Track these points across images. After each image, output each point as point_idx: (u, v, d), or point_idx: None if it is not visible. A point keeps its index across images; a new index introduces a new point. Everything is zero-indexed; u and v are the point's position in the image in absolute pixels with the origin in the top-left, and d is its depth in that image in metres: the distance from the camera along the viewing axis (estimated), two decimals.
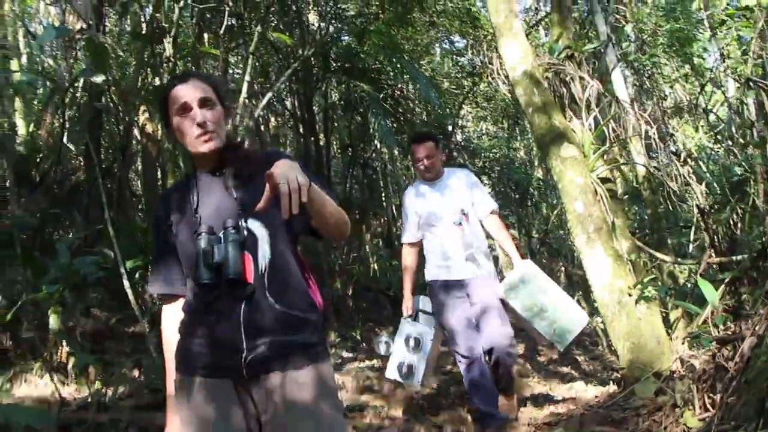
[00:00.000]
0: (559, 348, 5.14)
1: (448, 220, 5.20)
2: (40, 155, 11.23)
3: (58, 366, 5.82)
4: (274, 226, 2.20)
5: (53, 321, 5.62)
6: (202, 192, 2.26)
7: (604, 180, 5.73)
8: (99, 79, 5.14)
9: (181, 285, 2.30)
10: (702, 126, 8.36)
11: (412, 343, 5.11)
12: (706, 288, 4.44)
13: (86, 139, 11.73)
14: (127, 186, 11.06)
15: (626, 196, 8.01)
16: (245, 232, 2.16)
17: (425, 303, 5.43)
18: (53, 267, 5.92)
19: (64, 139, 12.20)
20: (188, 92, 2.23)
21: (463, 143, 14.04)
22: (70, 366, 5.75)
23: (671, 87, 11.63)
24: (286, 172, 1.88)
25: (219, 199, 2.24)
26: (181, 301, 2.31)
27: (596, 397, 5.64)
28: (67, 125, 12.29)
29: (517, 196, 12.81)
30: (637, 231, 7.36)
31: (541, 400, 6.00)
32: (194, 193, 2.25)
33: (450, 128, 12.97)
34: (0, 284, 6.09)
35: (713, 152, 7.99)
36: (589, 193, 5.45)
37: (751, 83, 4.99)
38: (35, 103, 13.48)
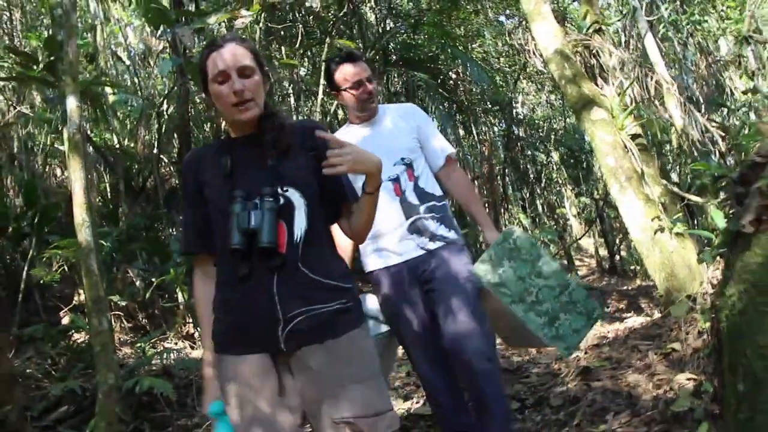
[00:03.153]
0: (563, 354, 3.54)
1: (381, 175, 3.32)
2: (137, 166, 12.30)
3: (187, 334, 7.09)
4: (311, 196, 2.17)
5: (181, 297, 6.90)
6: (237, 157, 2.22)
7: (635, 136, 6.60)
8: None
9: (209, 246, 2.25)
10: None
11: None
12: (717, 216, 5.24)
13: (177, 146, 13.22)
14: None
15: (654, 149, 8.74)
16: (282, 200, 2.12)
17: (372, 303, 3.63)
18: (175, 254, 7.23)
19: (154, 150, 13.73)
20: (227, 60, 2.16)
21: (520, 117, 14.87)
22: (196, 334, 6.99)
23: (715, 41, 12.20)
24: (357, 149, 2.09)
25: (254, 166, 2.20)
26: (209, 263, 2.28)
27: (641, 323, 6.48)
28: (157, 137, 13.78)
29: (572, 160, 13.58)
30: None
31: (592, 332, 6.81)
32: (228, 158, 2.21)
33: (507, 103, 13.92)
34: (136, 270, 7.39)
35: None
36: (618, 148, 6.31)
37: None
38: (129, 119, 14.73)
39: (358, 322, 2.16)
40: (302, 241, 2.10)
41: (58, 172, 13.58)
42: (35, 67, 5.12)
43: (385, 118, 3.58)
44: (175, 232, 10.15)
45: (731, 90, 10.09)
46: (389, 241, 3.34)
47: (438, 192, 3.48)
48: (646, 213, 6.05)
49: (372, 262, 3.44)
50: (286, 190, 2.12)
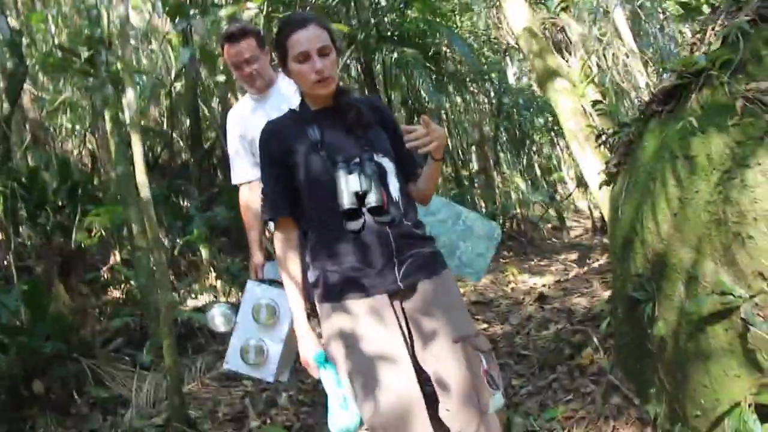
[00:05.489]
0: (473, 279, 3.77)
1: None
2: (149, 142, 13.07)
3: (210, 286, 8.15)
4: (396, 162, 2.42)
5: (204, 254, 7.96)
6: (323, 128, 2.37)
7: (596, 102, 7.56)
8: (221, 78, 7.36)
9: (294, 210, 2.41)
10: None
11: (263, 313, 3.18)
12: None
13: (188, 123, 14.20)
14: (227, 157, 13.17)
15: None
16: (377, 165, 2.33)
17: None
18: (196, 217, 8.28)
19: (165, 126, 14.71)
20: (308, 41, 2.28)
21: (505, 86, 15.81)
22: (218, 285, 8.04)
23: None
24: (441, 132, 2.30)
25: (342, 137, 2.37)
26: (292, 226, 2.44)
27: (600, 264, 7.49)
28: (166, 114, 14.73)
29: (556, 126, 14.58)
30: None
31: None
32: (315, 128, 2.36)
33: (492, 75, 14.93)
34: (163, 231, 8.43)
35: None
36: (578, 114, 7.27)
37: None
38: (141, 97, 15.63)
39: (445, 263, 2.45)
40: (400, 199, 2.36)
41: (76, 151, 14.68)
42: (77, 61, 6.10)
43: (284, 86, 3.52)
44: (189, 203, 11.11)
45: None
46: None
47: None
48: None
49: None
50: (382, 157, 2.37)
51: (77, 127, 16.03)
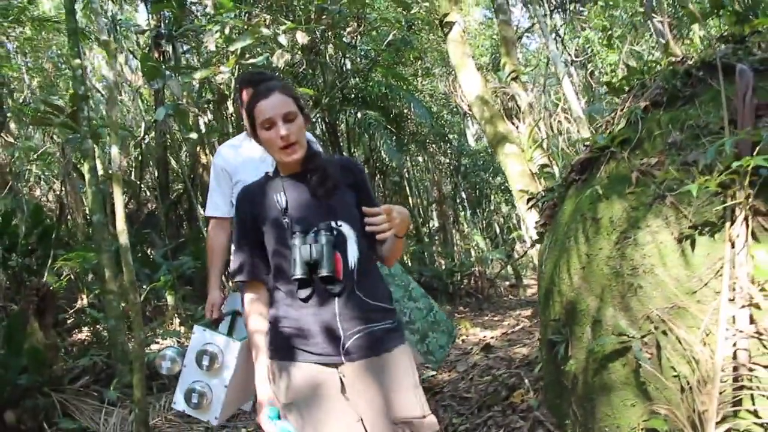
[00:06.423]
0: (433, 367, 4.02)
1: None
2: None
3: (174, 331, 8.47)
4: (359, 229, 2.39)
5: (170, 300, 8.31)
6: (290, 194, 2.43)
7: (544, 166, 8.15)
8: (193, 135, 7.85)
9: (265, 274, 2.47)
10: None
11: (205, 361, 3.27)
12: None
13: (157, 175, 14.60)
14: (194, 209, 13.55)
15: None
16: (336, 233, 2.35)
17: (237, 302, 3.65)
18: (163, 265, 8.64)
19: (132, 176, 15.13)
20: (273, 108, 2.35)
21: (464, 148, 16.57)
22: (182, 330, 8.36)
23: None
24: (401, 216, 2.34)
25: (306, 202, 2.41)
26: (261, 287, 2.50)
27: None
28: (134, 165, 15.13)
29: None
30: None
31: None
32: (282, 195, 2.42)
33: (451, 137, 15.73)
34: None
35: None
36: (526, 176, 7.84)
37: None
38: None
39: (403, 338, 2.45)
40: (356, 268, 2.36)
41: (50, 196, 14.96)
42: (60, 116, 6.51)
43: None
44: (154, 252, 11.44)
45: None
46: None
47: None
48: None
49: None
50: (340, 225, 2.38)
51: (44, 174, 16.34)
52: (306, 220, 2.36)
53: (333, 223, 2.37)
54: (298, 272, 2.27)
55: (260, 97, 2.39)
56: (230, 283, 7.92)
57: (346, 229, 2.38)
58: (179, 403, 3.31)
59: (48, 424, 4.83)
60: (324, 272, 2.26)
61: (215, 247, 3.67)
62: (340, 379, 2.32)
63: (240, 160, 3.63)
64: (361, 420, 2.30)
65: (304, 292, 2.32)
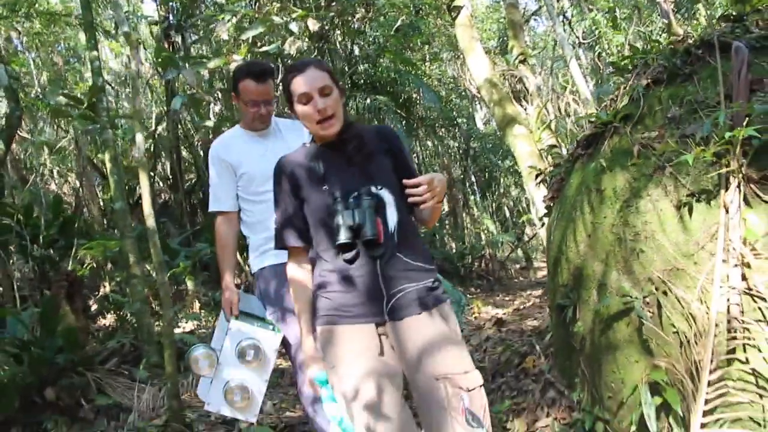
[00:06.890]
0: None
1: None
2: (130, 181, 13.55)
3: (194, 314, 8.73)
4: (397, 194, 2.43)
5: (190, 285, 8.55)
6: (327, 163, 2.46)
7: (552, 146, 8.32)
8: (209, 123, 8.06)
9: (307, 241, 2.51)
10: None
11: (249, 356, 3.18)
12: None
13: (169, 164, 14.80)
14: (207, 197, 13.71)
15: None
16: (376, 198, 2.38)
17: (250, 303, 3.55)
18: (181, 252, 8.88)
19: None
20: (309, 82, 2.39)
21: (473, 131, 16.72)
22: (202, 314, 8.61)
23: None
24: (441, 185, 2.38)
25: (344, 170, 2.45)
26: (303, 253, 2.55)
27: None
28: (147, 155, 15.30)
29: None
30: None
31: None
32: (320, 163, 2.46)
33: (460, 121, 15.89)
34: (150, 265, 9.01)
35: None
36: (534, 157, 8.02)
37: None
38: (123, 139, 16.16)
39: (444, 297, 2.47)
40: (396, 231, 2.39)
41: (65, 189, 15.22)
42: (79, 107, 6.72)
43: (287, 133, 3.63)
44: (170, 240, 11.67)
45: None
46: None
47: None
48: None
49: (259, 262, 3.53)
50: (380, 188, 2.41)
51: (58, 167, 16.59)
52: (346, 187, 2.39)
53: (372, 188, 2.40)
54: (343, 237, 2.31)
55: (296, 73, 2.42)
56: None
57: (384, 193, 2.41)
58: (214, 402, 3.18)
59: (85, 400, 5.07)
60: (368, 235, 2.30)
61: (224, 243, 3.53)
62: (382, 338, 2.38)
63: (242, 151, 3.54)
64: (404, 376, 2.39)
65: (347, 256, 2.35)
